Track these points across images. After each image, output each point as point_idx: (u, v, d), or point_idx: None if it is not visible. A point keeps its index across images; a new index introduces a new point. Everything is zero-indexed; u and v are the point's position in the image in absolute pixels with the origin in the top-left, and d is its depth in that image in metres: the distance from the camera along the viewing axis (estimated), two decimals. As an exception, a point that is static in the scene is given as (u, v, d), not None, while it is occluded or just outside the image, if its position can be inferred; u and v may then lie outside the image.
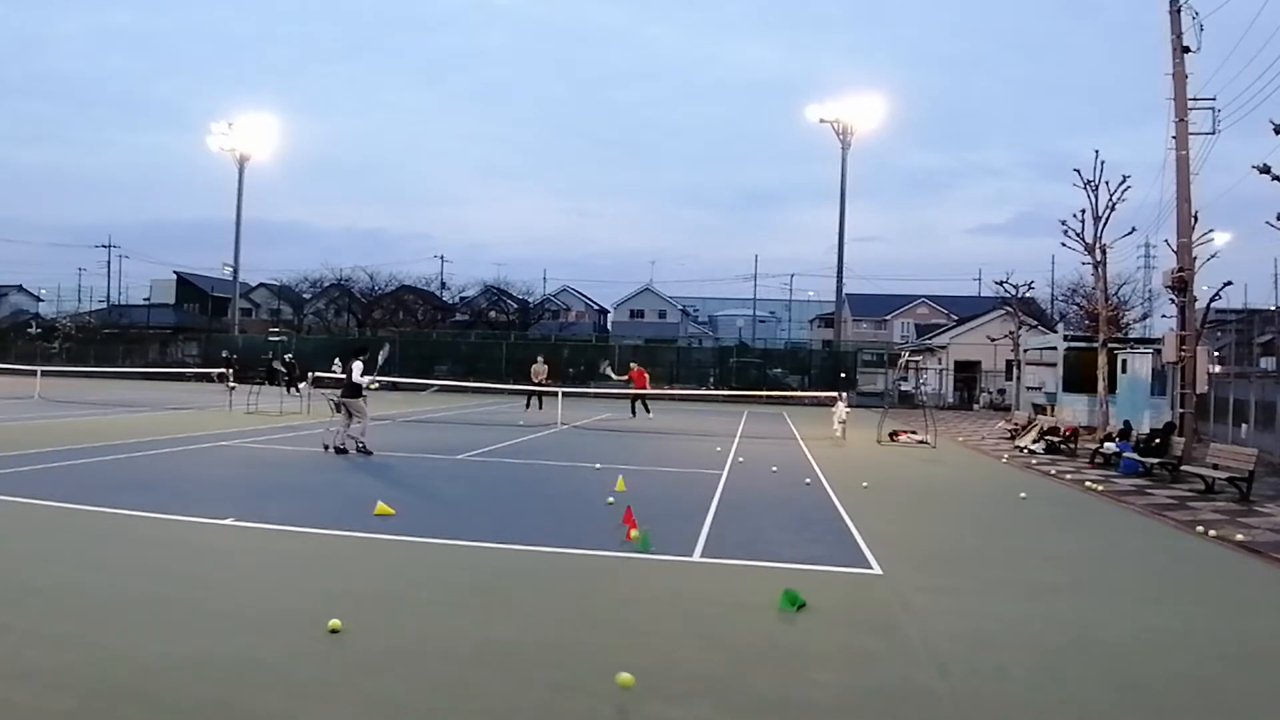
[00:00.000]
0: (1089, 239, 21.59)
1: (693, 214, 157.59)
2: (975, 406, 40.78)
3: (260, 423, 19.52)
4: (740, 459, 15.04)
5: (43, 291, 79.14)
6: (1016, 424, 22.54)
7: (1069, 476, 14.35)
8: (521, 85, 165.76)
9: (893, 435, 20.03)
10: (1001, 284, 35.02)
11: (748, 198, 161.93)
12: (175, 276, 79.55)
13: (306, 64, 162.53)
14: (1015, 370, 33.51)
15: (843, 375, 43.77)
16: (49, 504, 8.70)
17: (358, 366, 14.62)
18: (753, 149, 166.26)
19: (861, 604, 6.03)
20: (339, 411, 14.82)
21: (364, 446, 14.11)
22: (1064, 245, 22.31)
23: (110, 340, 53.02)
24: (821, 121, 41.37)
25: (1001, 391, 40.16)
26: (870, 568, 7.05)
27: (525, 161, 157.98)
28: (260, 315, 72.88)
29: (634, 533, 7.74)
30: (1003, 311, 38.47)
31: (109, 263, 79.45)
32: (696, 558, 7.25)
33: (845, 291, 75.45)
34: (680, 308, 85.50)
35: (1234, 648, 5.34)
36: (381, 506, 8.75)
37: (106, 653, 4.57)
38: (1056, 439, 18.59)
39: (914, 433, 20.23)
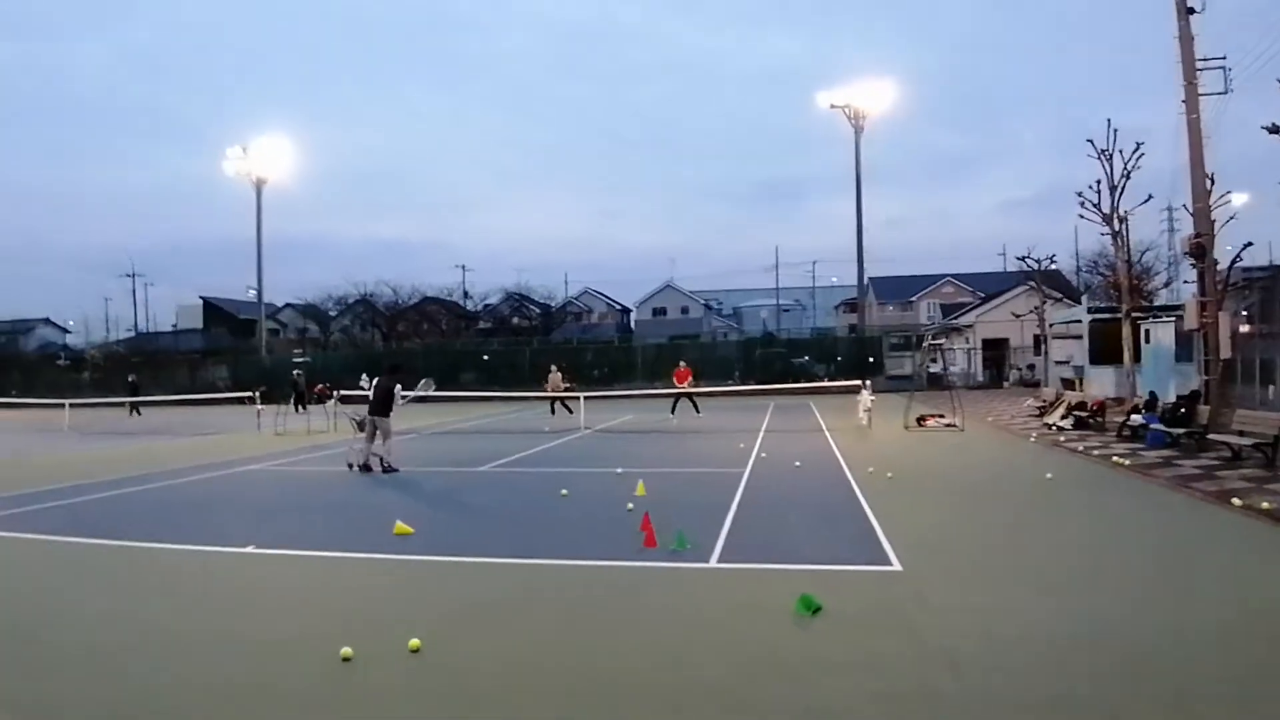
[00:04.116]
0: (1106, 209, 21.24)
1: (714, 207, 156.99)
2: (1005, 384, 40.34)
3: (288, 444, 19.69)
4: (763, 455, 14.96)
5: (71, 323, 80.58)
6: (1045, 401, 22.22)
7: (1096, 453, 14.13)
8: (540, 87, 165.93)
9: (920, 420, 19.82)
10: (1023, 259, 34.57)
11: (769, 188, 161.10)
12: (201, 301, 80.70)
13: (325, 75, 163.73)
14: (1043, 345, 33.11)
15: (871, 360, 43.48)
16: (72, 540, 8.83)
17: (398, 388, 14.71)
18: (773, 139, 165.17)
19: (880, 604, 5.94)
20: (361, 429, 14.92)
21: (389, 465, 14.19)
22: (1081, 217, 22.00)
23: (139, 368, 53.72)
24: (833, 107, 41.10)
25: (1031, 367, 39.71)
26: (890, 564, 6.96)
27: (545, 164, 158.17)
28: (288, 334, 73.63)
29: (665, 536, 7.80)
30: (1027, 287, 38.03)
31: (134, 291, 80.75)
32: (713, 563, 7.20)
33: (870, 275, 75.31)
34: (703, 303, 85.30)
35: (1266, 636, 5.19)
36: (400, 526, 8.79)
37: (127, 682, 4.66)
38: (1084, 414, 18.31)
39: (941, 416, 20.01)
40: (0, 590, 6.97)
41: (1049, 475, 11.67)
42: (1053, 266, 37.14)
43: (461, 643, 5.35)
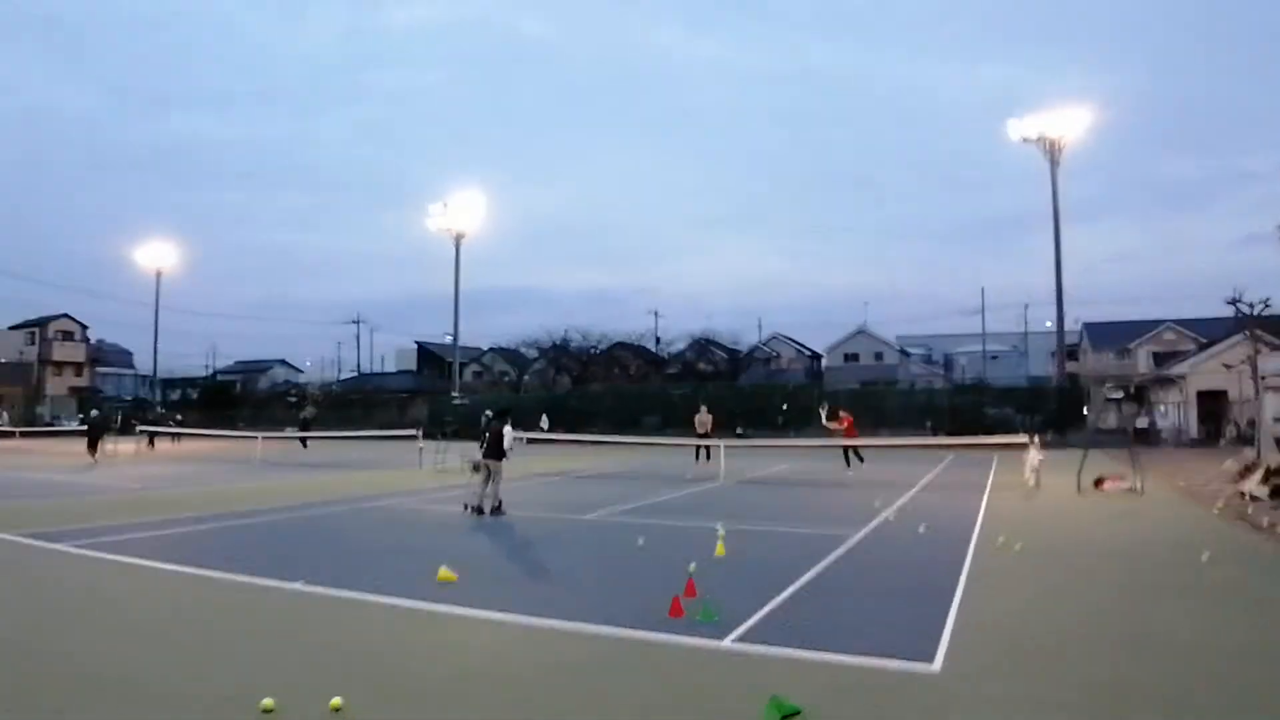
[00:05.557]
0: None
1: (913, 247, 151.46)
2: (1221, 441, 35.44)
3: (436, 481, 20.21)
4: (890, 517, 13.59)
5: (308, 363, 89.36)
6: (1246, 463, 19.12)
7: None
8: (734, 134, 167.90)
9: (1097, 483, 17.50)
10: (1233, 303, 30.04)
11: (973, 226, 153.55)
12: (416, 346, 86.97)
13: (533, 136, 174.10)
14: (1257, 399, 28.70)
15: (1085, 411, 40.20)
16: (134, 562, 9.50)
17: (508, 431, 14.88)
18: (978, 173, 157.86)
19: (887, 711, 4.92)
20: (476, 472, 15.02)
21: (498, 507, 14.19)
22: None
23: (353, 405, 58.15)
24: (1025, 141, 38.15)
25: (1251, 423, 34.57)
26: (930, 662, 5.80)
27: (741, 209, 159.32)
28: (488, 377, 77.67)
29: (683, 601, 7.19)
30: (1243, 335, 33.15)
31: (358, 335, 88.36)
32: (727, 642, 6.31)
33: (1085, 320, 69.22)
34: (899, 349, 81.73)
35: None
36: (444, 572, 8.54)
37: None
38: (1280, 480, 15.44)
39: (1121, 479, 17.60)
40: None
41: (1205, 556, 9.67)
42: (1267, 310, 32.04)
43: (388, 707, 4.94)
